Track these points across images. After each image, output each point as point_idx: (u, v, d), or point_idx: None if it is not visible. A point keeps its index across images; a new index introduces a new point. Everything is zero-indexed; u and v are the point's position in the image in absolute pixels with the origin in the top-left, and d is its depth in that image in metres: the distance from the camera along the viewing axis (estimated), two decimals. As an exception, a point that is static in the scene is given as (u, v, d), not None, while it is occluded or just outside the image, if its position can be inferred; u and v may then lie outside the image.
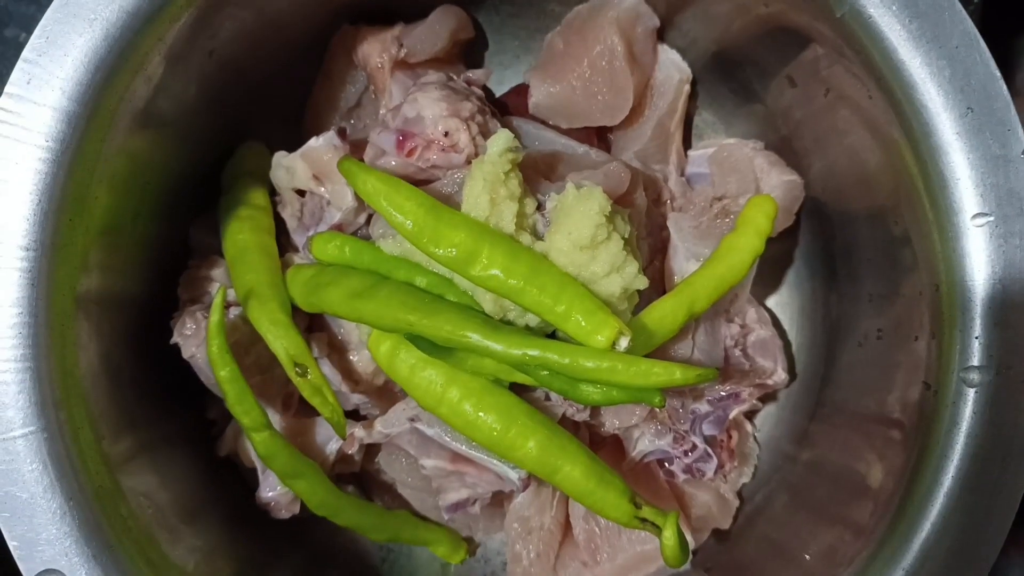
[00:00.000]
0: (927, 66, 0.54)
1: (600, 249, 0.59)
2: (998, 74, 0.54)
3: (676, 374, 0.58)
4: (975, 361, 0.54)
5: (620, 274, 0.60)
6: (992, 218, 0.54)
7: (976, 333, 0.54)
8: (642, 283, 0.60)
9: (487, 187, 0.59)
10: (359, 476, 0.77)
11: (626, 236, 0.60)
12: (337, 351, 0.69)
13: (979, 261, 0.54)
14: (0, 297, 0.53)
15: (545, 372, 0.59)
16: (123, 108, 0.56)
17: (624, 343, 0.58)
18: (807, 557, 0.65)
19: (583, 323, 0.56)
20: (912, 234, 0.59)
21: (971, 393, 0.55)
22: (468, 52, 0.79)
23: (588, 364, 0.57)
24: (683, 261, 0.69)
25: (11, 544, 0.54)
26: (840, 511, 0.65)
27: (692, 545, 0.72)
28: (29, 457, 0.54)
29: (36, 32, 0.53)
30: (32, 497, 0.54)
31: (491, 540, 0.79)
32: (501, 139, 0.59)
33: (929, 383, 0.57)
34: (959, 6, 0.54)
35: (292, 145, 0.69)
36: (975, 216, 0.54)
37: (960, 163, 0.54)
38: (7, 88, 0.53)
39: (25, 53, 0.53)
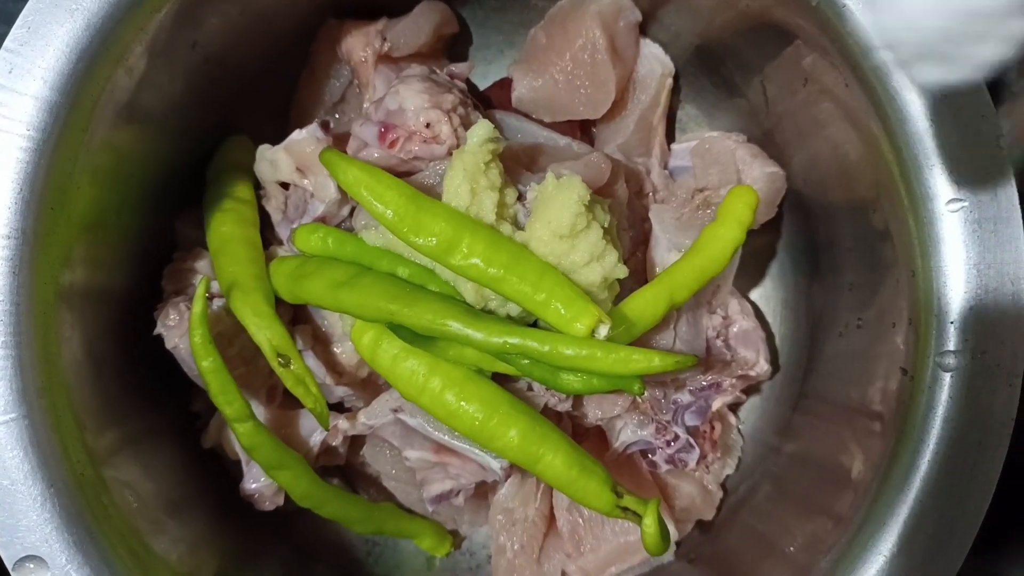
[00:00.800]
0: (900, 53, 0.55)
1: (580, 238, 0.59)
2: (972, 61, 0.54)
3: (655, 361, 0.58)
4: (950, 345, 0.55)
5: (600, 263, 0.60)
6: (966, 203, 0.54)
7: (951, 318, 0.55)
8: (622, 272, 0.61)
9: (467, 177, 0.60)
10: (344, 469, 0.77)
11: (606, 225, 0.61)
12: (321, 343, 0.69)
13: (954, 246, 0.55)
14: (-18, 285, 0.54)
15: (526, 360, 0.59)
16: (105, 99, 0.56)
17: (604, 331, 0.58)
18: (791, 550, 0.65)
19: (563, 311, 0.57)
20: (889, 221, 0.60)
21: (947, 378, 0.55)
22: (452, 47, 0.79)
23: (568, 352, 0.57)
24: (665, 252, 0.69)
25: (-8, 531, 0.54)
26: (823, 501, 0.65)
27: (675, 536, 0.72)
28: (10, 444, 0.54)
29: (18, 22, 0.54)
30: (13, 484, 0.54)
31: (476, 533, 0.79)
32: (481, 129, 0.60)
33: (906, 368, 0.57)
34: (932, -6, 0.55)
35: (278, 139, 0.69)
36: (950, 201, 0.55)
37: (934, 149, 0.55)
38: (-12, 78, 0.54)
39: (7, 43, 0.54)
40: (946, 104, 0.54)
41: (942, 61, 0.41)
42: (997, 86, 0.81)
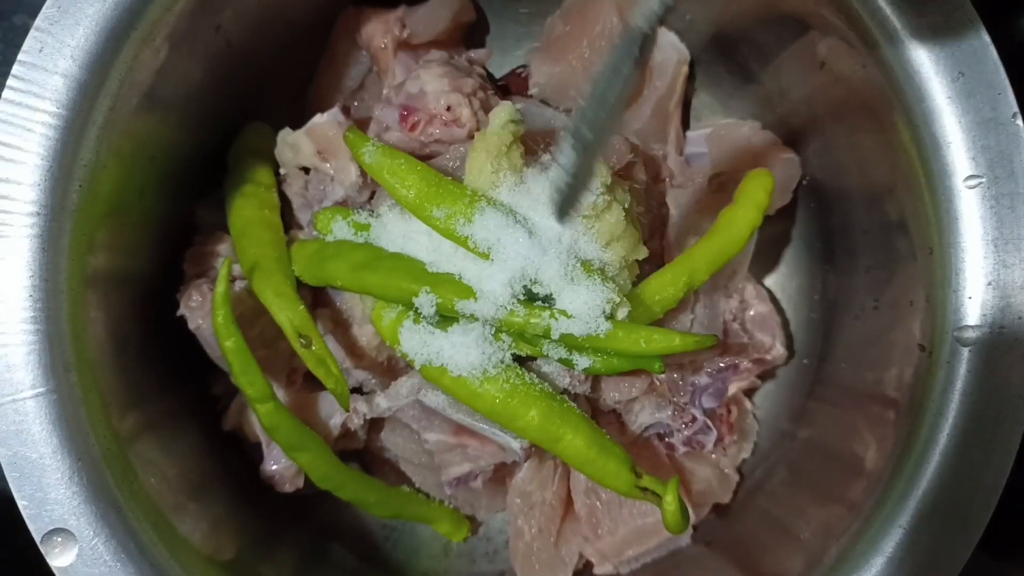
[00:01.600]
0: (919, 31, 0.55)
1: (601, 218, 0.60)
2: (988, 39, 0.55)
3: (675, 341, 0.59)
4: (969, 320, 0.55)
5: (620, 243, 0.61)
6: (984, 180, 0.55)
7: (969, 293, 0.55)
8: (642, 252, 0.62)
9: (490, 159, 0.60)
10: (362, 454, 0.77)
11: (626, 206, 0.61)
12: (341, 327, 0.70)
13: (971, 222, 0.55)
14: (12, 261, 0.54)
15: (547, 341, 0.60)
16: (132, 78, 0.57)
17: (623, 313, 0.59)
18: (805, 535, 0.66)
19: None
20: (906, 201, 0.60)
21: (965, 352, 0.55)
22: (470, 36, 0.80)
23: (589, 332, 0.58)
24: (682, 236, 0.70)
25: (20, 504, 0.54)
26: (837, 487, 0.65)
27: (693, 519, 0.72)
28: (39, 418, 0.54)
29: (48, 2, 0.55)
30: (41, 458, 0.54)
31: (493, 519, 0.80)
32: (504, 112, 0.61)
33: (924, 345, 0.58)
34: (948, -27, 0.56)
35: (295, 125, 0.70)
36: (967, 178, 0.55)
37: (952, 126, 0.55)
38: (20, 56, 0.54)
39: (38, 22, 0.54)
40: (963, 82, 0.55)
41: None
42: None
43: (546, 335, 0.59)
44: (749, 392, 0.78)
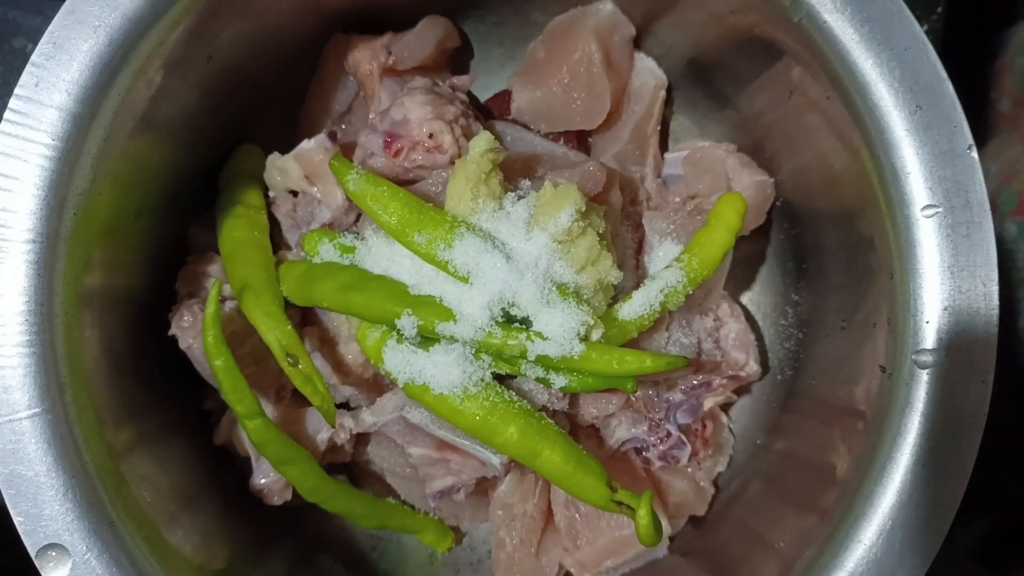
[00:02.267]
0: (878, 67, 0.58)
1: (576, 243, 0.62)
2: (944, 74, 0.57)
3: (647, 362, 0.61)
4: (927, 344, 0.57)
5: (595, 267, 0.63)
6: (940, 209, 0.57)
7: (927, 318, 0.57)
8: (616, 276, 0.64)
9: (469, 185, 0.62)
10: (349, 466, 0.79)
11: (601, 231, 0.64)
12: (328, 345, 0.72)
13: (929, 250, 0.57)
14: (8, 286, 0.56)
15: (524, 361, 0.62)
16: (125, 109, 0.59)
17: (597, 334, 0.61)
18: (780, 544, 0.68)
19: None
20: (870, 225, 0.62)
21: (923, 375, 0.57)
22: (455, 60, 0.82)
23: (565, 353, 0.60)
24: (658, 257, 0.72)
25: (16, 520, 0.56)
26: (810, 497, 0.67)
27: (669, 531, 0.74)
28: (34, 437, 0.56)
29: (44, 38, 0.57)
30: (36, 475, 0.56)
31: (477, 529, 0.82)
32: (483, 140, 0.63)
33: (885, 367, 0.60)
34: (907, 11, 0.58)
35: (286, 147, 0.72)
36: (924, 208, 0.57)
37: (910, 158, 0.57)
38: (16, 90, 0.56)
39: (34, 58, 0.56)
40: (921, 116, 0.57)
41: None
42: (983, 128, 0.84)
43: (523, 356, 0.61)
44: (725, 406, 0.80)
